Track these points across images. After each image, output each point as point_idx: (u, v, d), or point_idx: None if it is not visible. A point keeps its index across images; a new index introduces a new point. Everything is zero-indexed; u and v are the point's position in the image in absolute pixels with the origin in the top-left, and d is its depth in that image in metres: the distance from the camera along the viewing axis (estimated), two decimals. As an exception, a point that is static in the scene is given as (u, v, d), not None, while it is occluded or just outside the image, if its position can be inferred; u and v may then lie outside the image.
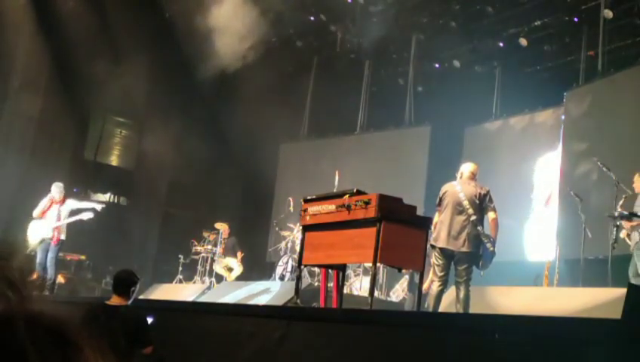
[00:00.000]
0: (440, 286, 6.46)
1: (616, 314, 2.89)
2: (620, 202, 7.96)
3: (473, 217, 6.41)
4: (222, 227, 12.11)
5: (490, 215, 6.51)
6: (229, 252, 12.10)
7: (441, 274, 6.48)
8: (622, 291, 5.76)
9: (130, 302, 4.84)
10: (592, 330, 3.05)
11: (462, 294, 6.34)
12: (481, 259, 6.43)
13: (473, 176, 6.71)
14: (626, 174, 8.01)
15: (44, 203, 9.94)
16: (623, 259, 7.61)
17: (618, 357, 2.79)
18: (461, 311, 6.26)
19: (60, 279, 11.29)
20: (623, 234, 7.92)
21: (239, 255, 12.07)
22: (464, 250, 6.38)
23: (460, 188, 6.59)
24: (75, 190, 14.58)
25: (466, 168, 6.82)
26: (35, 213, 9.88)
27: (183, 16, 12.56)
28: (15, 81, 12.36)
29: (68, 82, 12.57)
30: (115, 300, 4.79)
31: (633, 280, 7.60)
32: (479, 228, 6.40)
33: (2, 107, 12.30)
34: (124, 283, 4.83)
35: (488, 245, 6.35)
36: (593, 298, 6.45)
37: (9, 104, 12.33)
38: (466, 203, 6.46)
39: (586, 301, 6.45)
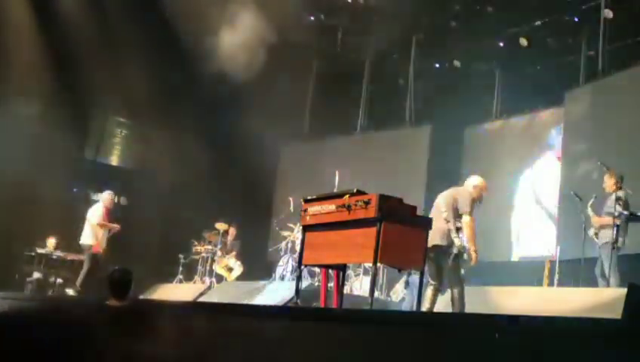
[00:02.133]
0: (433, 289, 6.42)
1: (617, 314, 2.89)
2: (590, 201, 7.99)
3: (444, 214, 6.45)
4: (222, 227, 12.10)
5: (463, 218, 6.45)
6: (232, 253, 12.11)
7: (433, 278, 6.44)
8: (622, 291, 5.77)
9: (127, 301, 4.84)
10: (592, 330, 3.05)
11: (455, 295, 6.34)
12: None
13: (470, 185, 6.74)
14: (627, 174, 8.02)
15: (102, 211, 10.17)
16: (623, 260, 7.62)
17: (618, 357, 2.79)
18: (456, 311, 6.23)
19: (59, 279, 11.31)
20: (591, 232, 7.95)
21: (234, 253, 12.08)
22: (435, 243, 6.30)
23: (447, 192, 6.72)
24: (74, 190, 14.59)
25: (468, 178, 6.89)
26: (100, 221, 10.15)
27: (184, 17, 12.54)
28: (15, 80, 12.34)
29: (68, 82, 12.56)
30: (113, 301, 4.78)
31: (600, 280, 7.63)
32: (449, 224, 6.40)
33: (2, 107, 12.28)
34: (120, 283, 4.82)
35: (456, 240, 6.34)
36: (593, 298, 6.45)
37: (9, 104, 12.32)
38: (442, 202, 6.57)
39: (586, 301, 6.45)
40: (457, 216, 6.46)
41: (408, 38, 13.53)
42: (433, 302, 6.41)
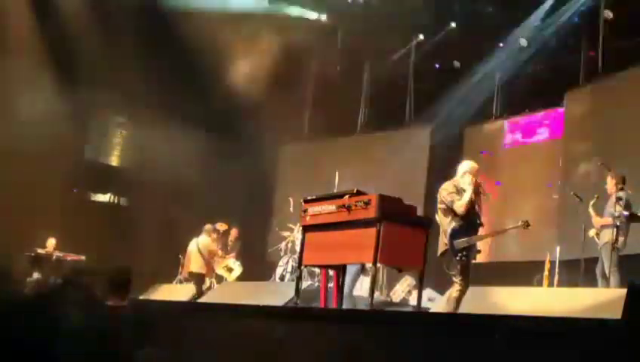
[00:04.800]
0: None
1: (616, 314, 2.89)
2: (592, 202, 7.98)
3: (436, 216, 6.15)
4: (222, 227, 12.10)
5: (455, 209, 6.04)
6: (232, 254, 12.11)
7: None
8: (622, 291, 5.76)
9: (126, 301, 4.82)
10: (592, 330, 3.05)
11: (449, 295, 6.11)
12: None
13: (459, 173, 6.29)
14: (627, 174, 8.01)
15: (214, 243, 11.22)
16: (623, 260, 7.62)
17: (618, 357, 2.79)
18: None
19: (59, 280, 11.30)
20: (592, 232, 7.95)
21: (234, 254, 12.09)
22: (438, 255, 6.11)
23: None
24: (74, 190, 14.59)
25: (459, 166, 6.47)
26: (218, 253, 11.23)
27: (184, 17, 12.56)
28: (16, 81, 12.35)
29: (68, 82, 12.56)
30: (113, 301, 4.77)
31: (600, 281, 7.62)
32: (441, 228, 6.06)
33: (2, 107, 12.29)
34: (120, 283, 4.81)
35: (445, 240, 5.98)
36: (593, 298, 6.44)
37: (9, 104, 12.32)
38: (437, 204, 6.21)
39: (586, 301, 6.44)
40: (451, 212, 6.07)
41: (408, 38, 13.54)
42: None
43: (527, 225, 6.25)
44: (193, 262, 10.92)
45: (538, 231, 11.73)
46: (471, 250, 6.07)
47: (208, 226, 11.17)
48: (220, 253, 11.19)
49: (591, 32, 11.37)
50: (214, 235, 11.26)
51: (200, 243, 10.94)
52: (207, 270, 10.96)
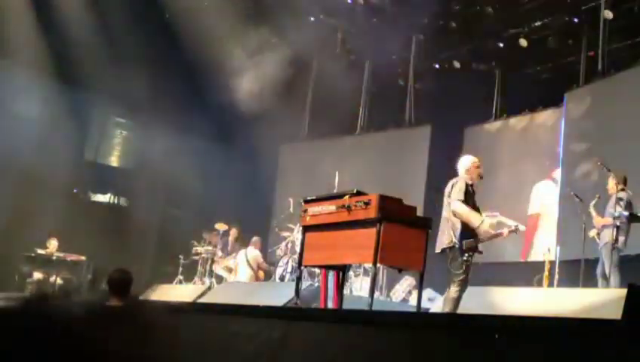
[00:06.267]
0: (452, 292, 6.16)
1: (617, 314, 2.89)
2: (593, 202, 7.99)
3: (444, 212, 6.21)
4: (222, 227, 12.11)
5: (451, 206, 6.10)
6: (233, 254, 12.12)
7: (448, 282, 6.21)
8: (622, 291, 5.76)
9: (126, 301, 4.81)
10: (592, 330, 3.05)
11: (449, 294, 6.09)
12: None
13: (462, 170, 6.37)
14: (627, 174, 8.01)
15: (259, 254, 11.69)
16: (624, 260, 7.62)
17: (618, 357, 2.79)
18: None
19: (60, 280, 11.31)
20: (592, 233, 7.95)
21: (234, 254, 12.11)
22: (437, 251, 6.15)
23: (447, 186, 6.35)
24: (75, 190, 14.59)
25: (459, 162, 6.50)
26: (265, 266, 11.62)
27: (184, 17, 12.57)
28: (16, 81, 12.35)
29: (68, 82, 12.56)
30: (113, 301, 4.77)
31: (600, 281, 7.62)
32: (449, 223, 6.11)
33: (3, 107, 12.28)
34: (120, 283, 4.80)
35: (452, 237, 6.04)
36: (593, 298, 6.44)
37: (10, 104, 12.32)
38: (444, 199, 6.25)
39: (586, 301, 6.44)
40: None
41: (408, 38, 13.53)
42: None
43: (516, 229, 6.34)
44: (241, 272, 11.36)
45: (538, 232, 11.78)
46: (475, 250, 6.13)
47: (255, 238, 11.71)
48: (265, 264, 11.56)
49: (591, 33, 11.37)
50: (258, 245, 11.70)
51: (249, 255, 11.43)
52: (256, 280, 11.38)
